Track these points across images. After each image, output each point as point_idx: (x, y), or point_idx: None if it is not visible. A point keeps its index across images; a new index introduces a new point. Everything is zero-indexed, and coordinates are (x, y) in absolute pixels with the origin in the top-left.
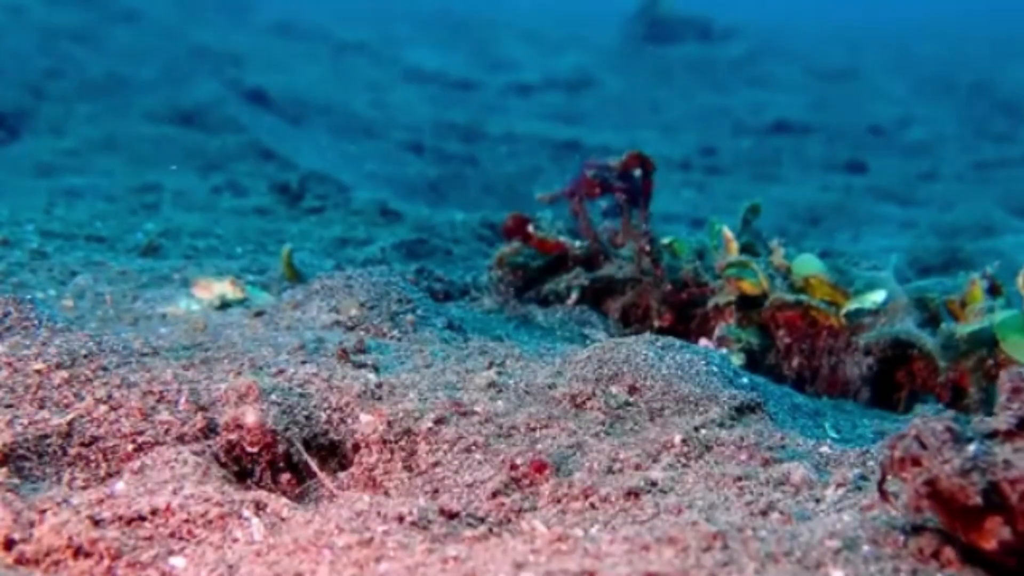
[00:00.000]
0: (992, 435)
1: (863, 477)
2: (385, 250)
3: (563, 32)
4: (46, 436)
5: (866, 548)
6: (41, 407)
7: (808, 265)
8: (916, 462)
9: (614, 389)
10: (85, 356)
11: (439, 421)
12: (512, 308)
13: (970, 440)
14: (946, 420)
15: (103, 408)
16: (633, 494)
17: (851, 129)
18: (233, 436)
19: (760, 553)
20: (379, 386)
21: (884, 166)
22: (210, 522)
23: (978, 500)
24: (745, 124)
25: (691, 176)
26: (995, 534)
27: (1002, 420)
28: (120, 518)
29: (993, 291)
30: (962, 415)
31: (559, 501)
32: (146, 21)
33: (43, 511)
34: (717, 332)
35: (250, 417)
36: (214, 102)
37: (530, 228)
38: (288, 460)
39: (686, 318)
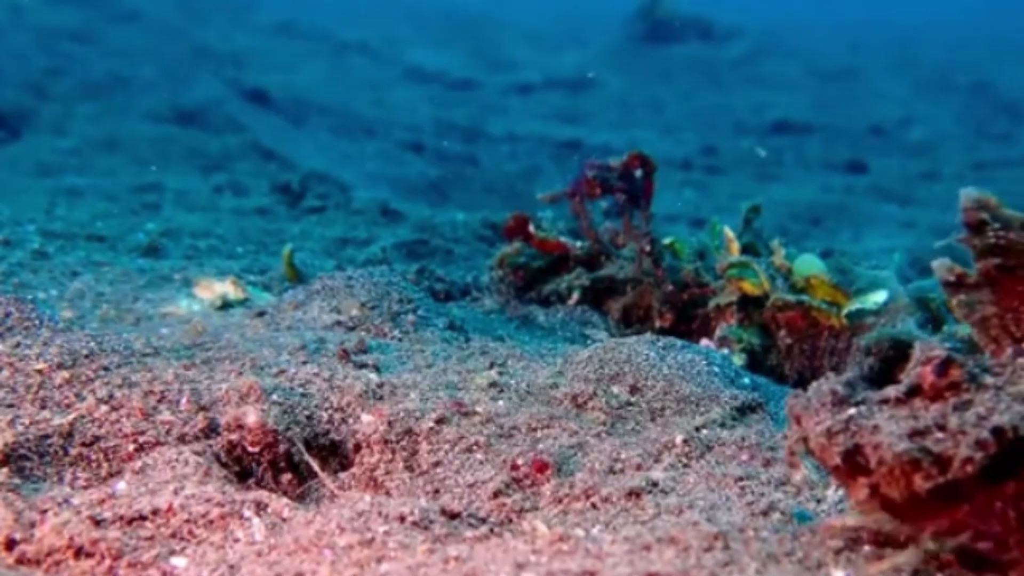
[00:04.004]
0: (885, 401)
1: None
2: (386, 250)
3: (564, 32)
4: (47, 436)
5: (867, 548)
6: (42, 407)
7: (809, 265)
8: (798, 420)
9: (615, 389)
10: (86, 356)
11: (440, 421)
12: (513, 308)
13: (858, 403)
14: (836, 382)
15: (104, 408)
16: (634, 494)
17: (852, 129)
18: (234, 436)
19: (761, 553)
20: (380, 386)
21: (885, 166)
22: (211, 522)
23: (838, 461)
24: (746, 124)
25: (692, 176)
26: (857, 493)
27: (894, 388)
28: (121, 518)
29: None
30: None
31: (560, 501)
32: (147, 21)
33: (44, 511)
34: (718, 332)
35: (251, 417)
36: (215, 102)
37: (531, 228)
38: (289, 460)
39: (687, 318)
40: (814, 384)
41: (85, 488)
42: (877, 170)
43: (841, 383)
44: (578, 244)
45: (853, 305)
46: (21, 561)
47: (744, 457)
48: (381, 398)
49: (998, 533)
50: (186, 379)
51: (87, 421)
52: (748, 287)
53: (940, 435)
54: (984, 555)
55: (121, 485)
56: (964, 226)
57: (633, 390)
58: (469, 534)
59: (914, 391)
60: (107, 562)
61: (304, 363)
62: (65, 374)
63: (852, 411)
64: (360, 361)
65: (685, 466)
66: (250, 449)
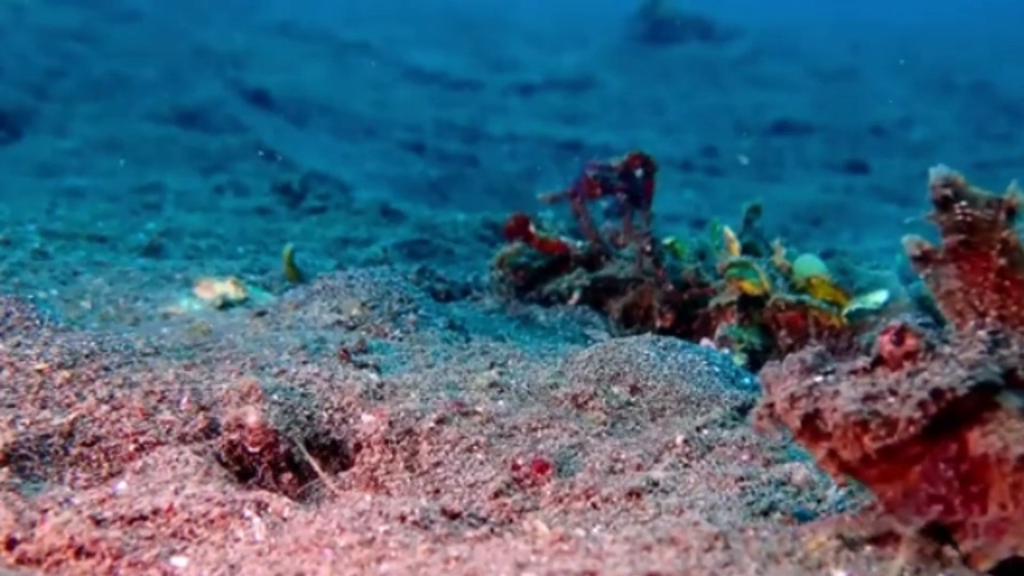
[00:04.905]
0: (853, 372)
1: None
2: (387, 250)
3: (564, 32)
4: (48, 436)
5: (867, 548)
6: (43, 407)
7: (810, 265)
8: (769, 388)
9: (616, 389)
10: (87, 356)
11: (441, 421)
12: (514, 308)
13: (827, 373)
14: (807, 353)
15: (105, 408)
16: (635, 494)
17: (852, 129)
18: (235, 436)
19: (762, 553)
20: (381, 386)
21: (885, 166)
22: (212, 522)
23: (798, 424)
24: (746, 124)
25: (692, 176)
26: (818, 455)
27: (862, 359)
28: (122, 518)
29: None
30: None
31: (561, 501)
32: (148, 21)
33: (45, 511)
34: (719, 332)
35: (252, 417)
36: (216, 102)
37: (532, 228)
38: (290, 460)
39: (688, 318)
40: (789, 355)
41: (86, 488)
42: (878, 170)
43: (812, 354)
44: (579, 244)
45: (854, 305)
46: (22, 561)
47: (745, 457)
48: (382, 398)
49: (945, 495)
50: (187, 379)
51: (88, 421)
52: (748, 287)
53: (891, 399)
54: (943, 524)
55: (122, 485)
56: (932, 203)
57: (634, 390)
58: (469, 534)
59: (878, 361)
60: (107, 562)
61: (305, 363)
62: (66, 374)
63: (817, 379)
64: (361, 361)
65: (686, 466)
66: (251, 449)
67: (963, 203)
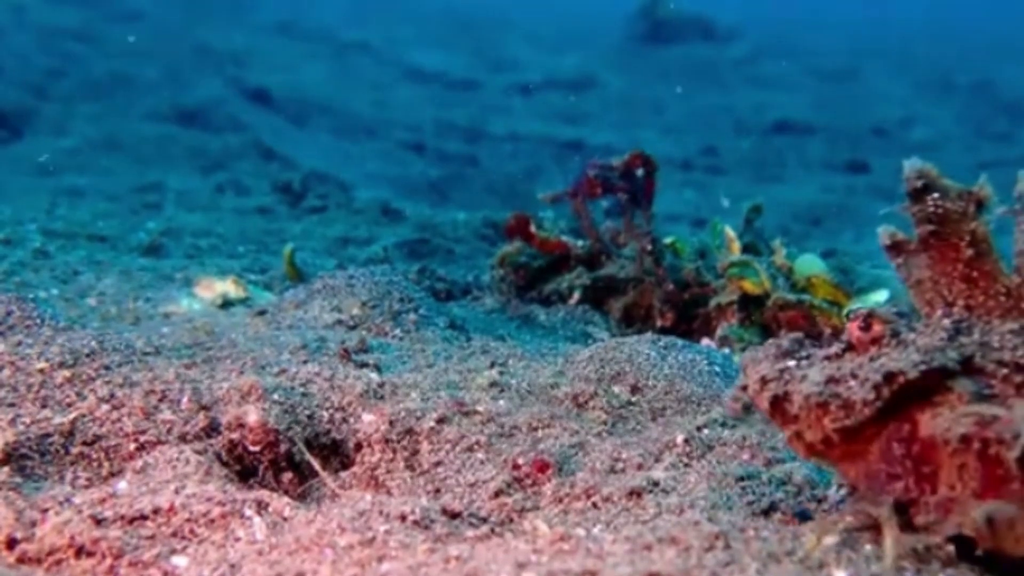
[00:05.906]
0: (828, 357)
1: None
2: (387, 249)
3: (565, 32)
4: (48, 435)
5: (868, 547)
6: (44, 406)
7: (810, 265)
8: (744, 370)
9: (616, 389)
10: (88, 355)
11: (441, 420)
12: (514, 307)
13: (803, 357)
14: (784, 338)
15: (105, 407)
16: (635, 494)
17: (853, 129)
18: (235, 435)
19: (762, 553)
20: (381, 385)
21: (886, 166)
22: (212, 521)
23: (766, 406)
24: (747, 124)
25: (693, 176)
26: (785, 435)
27: (835, 346)
28: (122, 517)
29: None
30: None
31: (561, 501)
32: (148, 20)
33: (45, 510)
34: (719, 332)
35: (252, 416)
36: (216, 101)
37: (532, 228)
38: (290, 459)
39: (688, 318)
40: (768, 340)
41: (86, 487)
42: (878, 170)
43: (789, 339)
44: (579, 243)
45: (854, 304)
46: (22, 560)
47: (745, 457)
48: (382, 397)
49: (900, 474)
50: (187, 378)
51: (88, 420)
52: (749, 286)
53: (852, 382)
54: (903, 503)
55: (122, 484)
56: (906, 194)
57: (634, 390)
58: (470, 533)
59: (849, 347)
60: (108, 561)
61: (305, 362)
62: (66, 373)
63: (790, 363)
64: (361, 360)
65: (686, 466)
66: (251, 448)
67: (935, 195)
